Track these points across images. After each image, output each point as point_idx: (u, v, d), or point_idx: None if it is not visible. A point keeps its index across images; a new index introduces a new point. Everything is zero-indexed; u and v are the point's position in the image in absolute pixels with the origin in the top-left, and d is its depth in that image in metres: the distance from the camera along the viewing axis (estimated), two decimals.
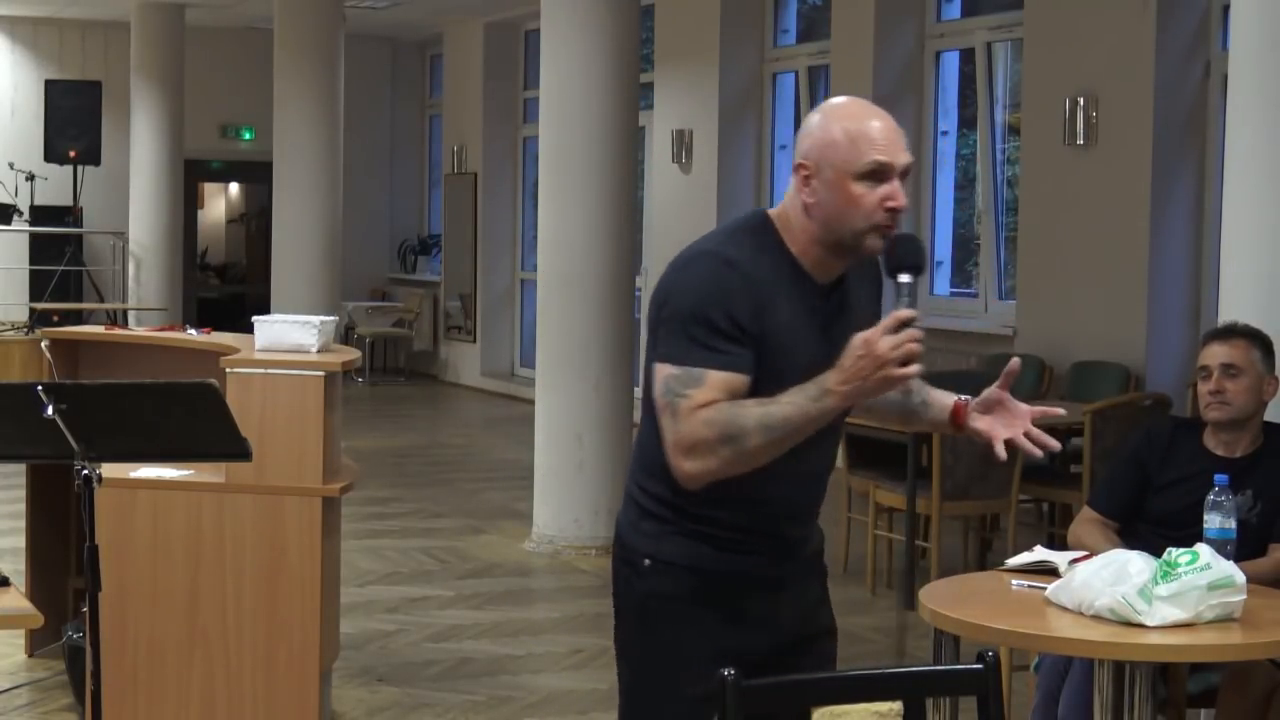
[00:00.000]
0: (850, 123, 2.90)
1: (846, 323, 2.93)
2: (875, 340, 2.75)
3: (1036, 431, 3.10)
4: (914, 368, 2.78)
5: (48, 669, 6.14)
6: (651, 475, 3.00)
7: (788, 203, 2.96)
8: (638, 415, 3.16)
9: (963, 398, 3.15)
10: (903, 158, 2.89)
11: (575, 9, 8.65)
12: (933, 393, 3.21)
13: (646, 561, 3.01)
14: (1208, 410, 4.54)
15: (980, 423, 3.13)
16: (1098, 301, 9.58)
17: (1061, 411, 3.21)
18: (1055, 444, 3.10)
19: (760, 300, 2.87)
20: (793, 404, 2.79)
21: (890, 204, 2.85)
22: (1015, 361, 3.12)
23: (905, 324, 2.78)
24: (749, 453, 2.80)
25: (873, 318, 2.91)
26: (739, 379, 2.83)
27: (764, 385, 2.85)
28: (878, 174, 2.86)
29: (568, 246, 8.64)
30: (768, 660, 2.97)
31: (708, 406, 2.81)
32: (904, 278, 2.87)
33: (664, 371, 2.86)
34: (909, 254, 2.89)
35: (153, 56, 16.04)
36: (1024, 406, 3.13)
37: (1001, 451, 3.07)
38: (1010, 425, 3.12)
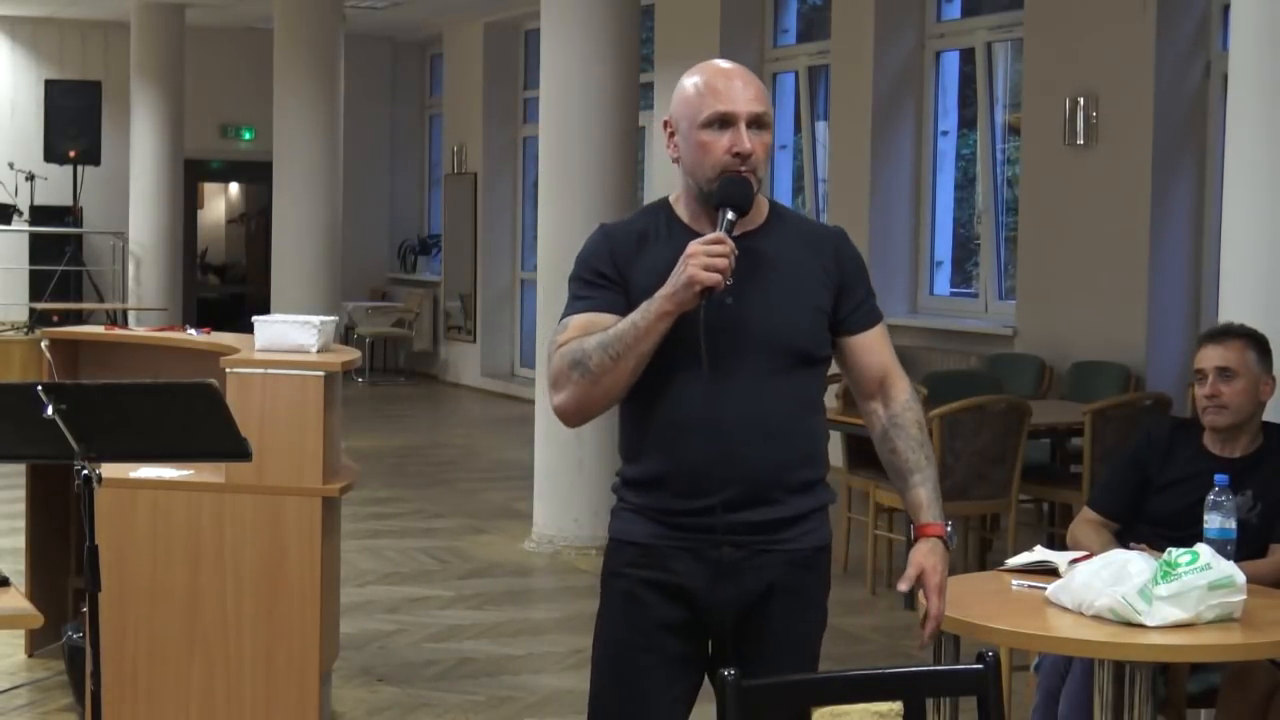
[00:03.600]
0: (698, 77, 3.12)
1: (754, 275, 3.06)
2: (699, 248, 2.94)
3: (931, 629, 3.20)
4: (714, 276, 2.92)
5: (48, 669, 6.14)
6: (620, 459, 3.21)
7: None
8: None
9: (925, 524, 3.20)
10: (747, 106, 3.06)
11: (575, 9, 8.65)
12: (920, 495, 3.22)
13: (609, 539, 3.21)
14: (1204, 415, 4.53)
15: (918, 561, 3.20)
16: (1098, 301, 9.58)
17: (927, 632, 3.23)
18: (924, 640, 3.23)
19: (627, 249, 3.11)
20: (627, 319, 3.00)
21: (735, 149, 3.03)
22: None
23: (723, 244, 2.95)
24: (594, 372, 3.00)
25: (816, 282, 3.12)
26: (600, 317, 3.05)
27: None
28: (722, 122, 3.05)
29: (568, 246, 8.61)
30: (698, 634, 3.13)
31: (566, 344, 3.05)
32: (730, 215, 3.02)
33: (554, 333, 3.11)
34: (732, 193, 3.03)
35: (153, 56, 16.04)
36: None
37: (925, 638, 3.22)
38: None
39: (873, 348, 3.20)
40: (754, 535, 3.10)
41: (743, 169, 3.03)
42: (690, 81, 3.12)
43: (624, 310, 3.03)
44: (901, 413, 3.23)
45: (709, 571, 3.09)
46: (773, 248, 3.11)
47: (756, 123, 3.06)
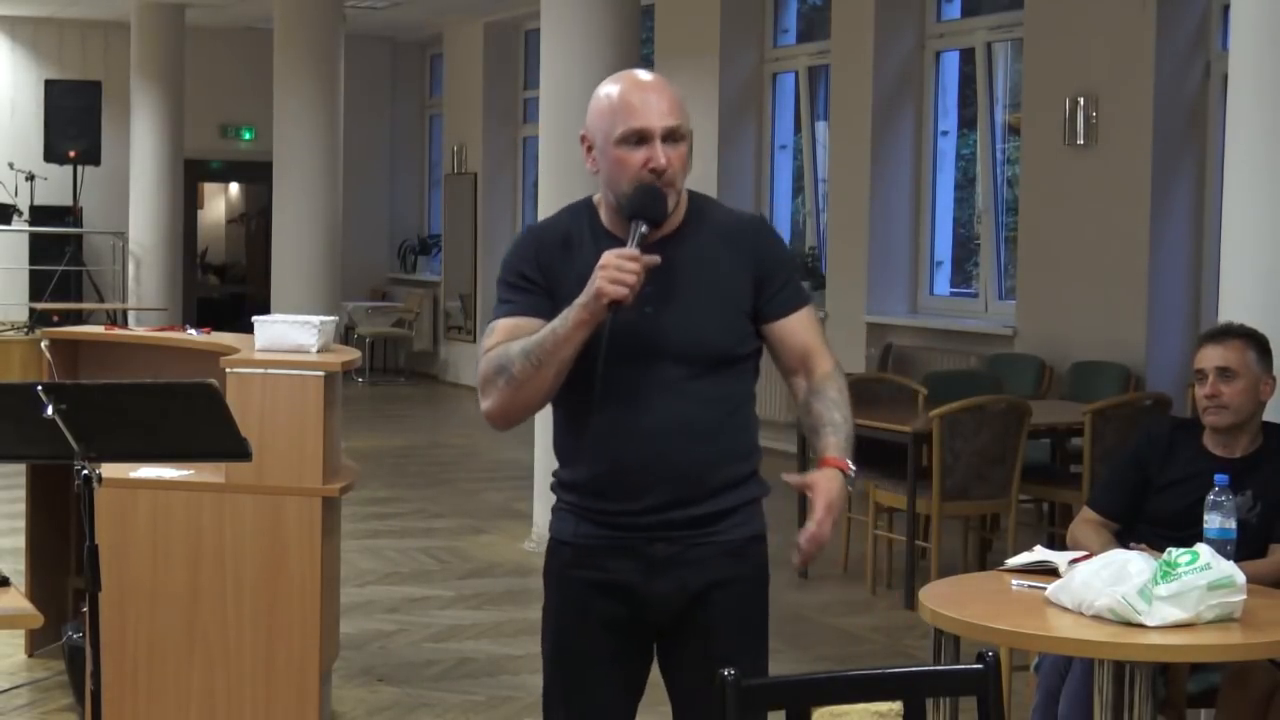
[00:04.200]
0: (613, 89, 3.10)
1: (672, 281, 3.08)
2: (608, 257, 2.97)
3: (807, 546, 3.08)
4: (621, 290, 2.94)
5: (48, 669, 6.14)
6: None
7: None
8: None
9: (829, 458, 3.15)
10: (661, 121, 3.05)
11: (575, 9, 8.65)
12: (829, 440, 3.18)
13: (549, 539, 3.27)
14: (1205, 415, 4.54)
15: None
16: (1098, 301, 9.58)
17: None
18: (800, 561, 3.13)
19: (551, 253, 3.13)
20: (548, 327, 3.03)
21: (651, 165, 3.04)
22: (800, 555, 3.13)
23: (633, 260, 2.97)
24: (517, 378, 3.04)
25: (734, 280, 3.13)
26: (525, 322, 3.09)
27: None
28: (638, 138, 3.05)
29: None
30: (640, 628, 3.18)
31: (493, 349, 3.09)
32: (643, 227, 3.03)
33: (485, 337, 3.15)
34: (646, 205, 3.05)
35: (153, 56, 16.03)
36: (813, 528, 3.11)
37: (799, 557, 3.13)
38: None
39: (794, 330, 3.19)
40: (685, 530, 3.14)
41: (659, 183, 3.04)
42: (605, 94, 3.10)
43: (548, 313, 3.06)
44: (822, 380, 3.20)
45: (643, 568, 3.14)
46: (691, 251, 3.13)
47: (671, 136, 3.05)
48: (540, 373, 3.03)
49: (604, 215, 3.16)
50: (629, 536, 3.15)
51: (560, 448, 3.22)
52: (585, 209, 3.19)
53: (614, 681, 3.22)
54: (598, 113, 3.10)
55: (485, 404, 3.11)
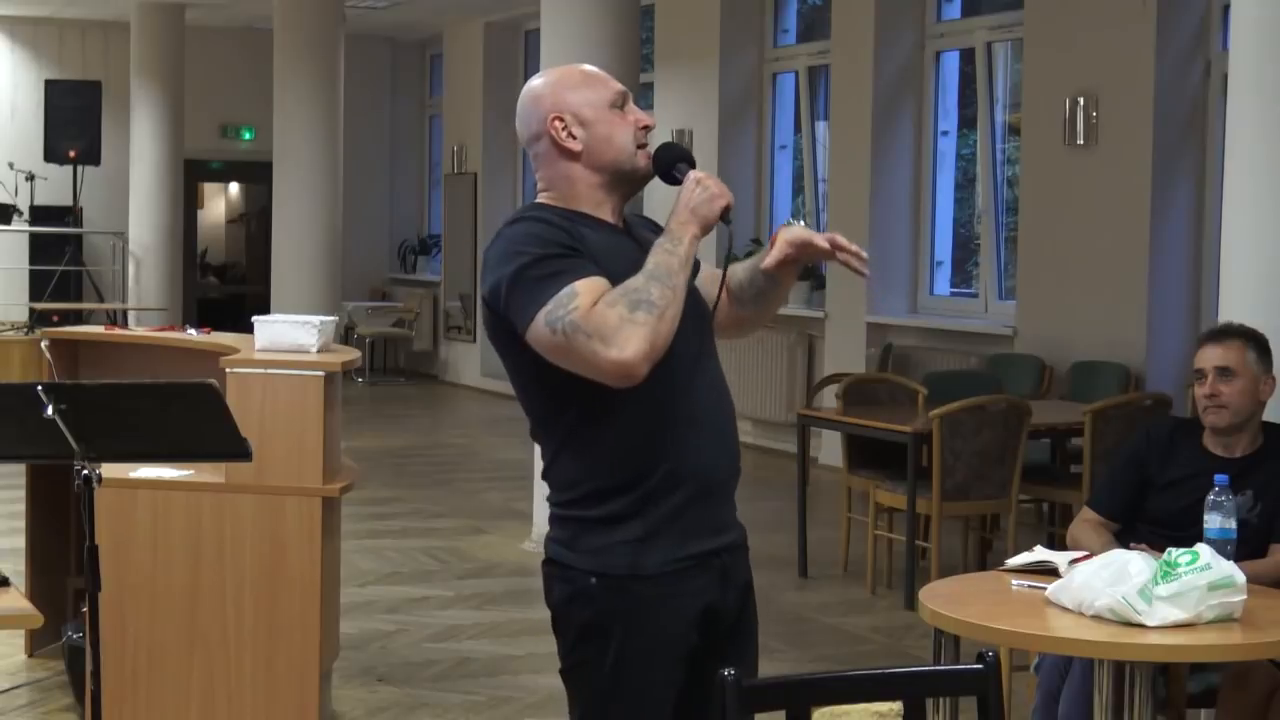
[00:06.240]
0: (576, 71, 3.07)
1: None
2: (705, 176, 2.95)
3: (843, 242, 3.02)
4: (730, 194, 2.95)
5: (48, 669, 6.14)
6: (570, 484, 3.01)
7: (550, 179, 3.04)
8: None
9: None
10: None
11: (575, 9, 8.65)
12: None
13: (594, 578, 2.97)
14: (1205, 415, 4.54)
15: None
16: (1098, 301, 9.58)
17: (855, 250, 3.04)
18: (861, 267, 3.04)
19: (572, 233, 2.92)
20: (655, 259, 2.86)
21: (644, 123, 3.04)
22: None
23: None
24: (659, 305, 2.80)
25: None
26: (599, 280, 2.85)
27: None
28: (623, 101, 3.04)
29: None
30: (698, 652, 2.97)
31: (595, 304, 2.81)
32: (687, 172, 2.99)
33: (540, 322, 2.82)
34: (674, 154, 3.04)
35: (153, 56, 16.03)
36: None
37: (771, 258, 3.05)
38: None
39: (704, 276, 3.12)
40: (736, 529, 3.08)
41: (646, 141, 3.04)
42: (572, 75, 3.05)
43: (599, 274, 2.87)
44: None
45: (718, 580, 3.00)
46: (638, 235, 3.06)
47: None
48: (677, 298, 2.83)
49: (584, 205, 3.00)
50: (708, 544, 2.98)
51: (617, 459, 2.93)
52: (552, 211, 2.98)
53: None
54: (571, 87, 3.02)
55: (628, 349, 2.76)
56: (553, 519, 3.11)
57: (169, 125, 16.07)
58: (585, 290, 2.81)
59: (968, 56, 11.15)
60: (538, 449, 3.15)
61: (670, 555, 2.93)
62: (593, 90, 3.02)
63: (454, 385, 16.96)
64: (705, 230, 2.92)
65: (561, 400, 2.93)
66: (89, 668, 3.83)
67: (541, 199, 3.05)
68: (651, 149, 3.04)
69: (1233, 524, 4.10)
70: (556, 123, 3.00)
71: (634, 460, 2.93)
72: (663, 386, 2.88)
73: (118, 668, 5.08)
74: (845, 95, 11.52)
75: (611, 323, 2.78)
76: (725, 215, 2.93)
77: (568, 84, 3.03)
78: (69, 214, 16.02)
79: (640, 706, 2.97)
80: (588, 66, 3.10)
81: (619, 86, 3.05)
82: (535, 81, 3.09)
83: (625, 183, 3.03)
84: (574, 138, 3.00)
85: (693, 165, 3.01)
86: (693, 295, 2.98)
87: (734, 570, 3.04)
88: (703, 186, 2.92)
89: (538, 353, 2.87)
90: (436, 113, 18.32)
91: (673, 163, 3.02)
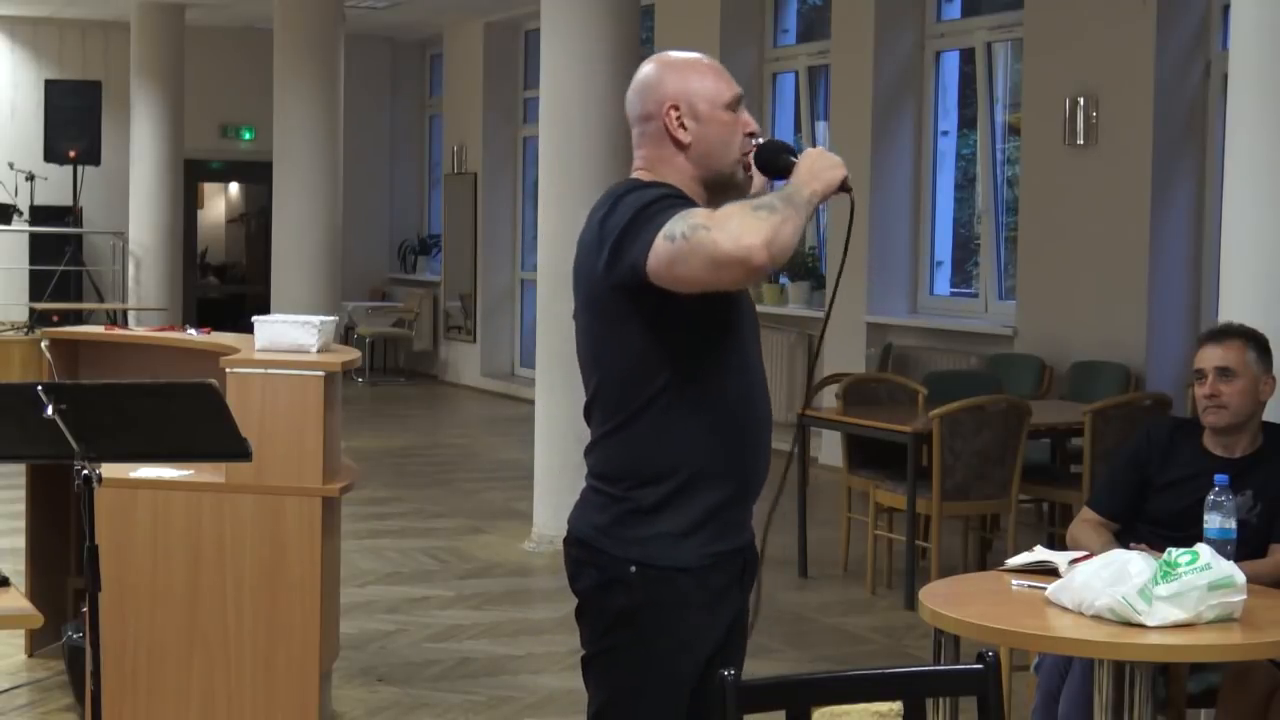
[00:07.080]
0: (702, 61, 3.04)
1: None
2: (825, 150, 2.95)
3: None
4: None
5: (48, 669, 6.14)
6: (622, 467, 2.95)
7: (650, 160, 3.02)
8: None
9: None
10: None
11: (575, 9, 8.65)
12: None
13: (632, 569, 2.94)
14: (1205, 415, 4.54)
15: None
16: (1098, 301, 9.58)
17: None
18: None
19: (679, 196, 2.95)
20: (779, 194, 2.85)
21: (750, 129, 3.02)
22: None
23: None
24: (780, 211, 2.76)
25: None
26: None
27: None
28: (738, 103, 3.03)
29: (567, 246, 8.58)
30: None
31: (715, 212, 2.80)
32: (798, 154, 2.99)
33: (659, 242, 2.79)
34: (778, 149, 3.04)
35: (153, 56, 16.03)
36: None
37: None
38: None
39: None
40: (751, 531, 3.11)
41: (749, 149, 3.03)
42: (696, 65, 3.02)
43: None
44: None
45: (739, 576, 3.04)
46: None
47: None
48: (798, 217, 2.79)
49: (688, 190, 2.98)
50: (734, 542, 3.01)
51: (681, 448, 2.93)
52: (666, 187, 2.96)
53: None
54: (697, 75, 3.00)
55: (747, 237, 2.70)
56: (589, 501, 3.01)
57: (169, 125, 16.07)
58: (703, 210, 2.85)
59: (968, 56, 11.15)
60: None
61: (703, 550, 2.95)
62: (714, 86, 3.00)
63: (454, 385, 16.96)
64: (825, 194, 2.89)
65: (651, 369, 2.90)
66: (89, 668, 3.83)
67: (639, 176, 3.03)
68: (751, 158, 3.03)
69: (1232, 524, 4.10)
70: (672, 111, 2.99)
71: (697, 453, 2.93)
72: (740, 387, 2.95)
73: (118, 668, 5.08)
74: (845, 95, 11.52)
75: (733, 215, 2.76)
76: (845, 184, 2.92)
77: (692, 73, 3.01)
78: (69, 214, 16.02)
79: (665, 700, 2.97)
80: (711, 59, 3.06)
81: (738, 89, 3.03)
82: (659, 61, 3.06)
83: (719, 186, 3.01)
84: (685, 129, 2.99)
85: (793, 152, 3.01)
86: (753, 313, 3.05)
87: (750, 569, 3.09)
88: (825, 155, 2.92)
89: (651, 305, 2.84)
90: (436, 112, 18.32)
91: (778, 153, 3.02)
